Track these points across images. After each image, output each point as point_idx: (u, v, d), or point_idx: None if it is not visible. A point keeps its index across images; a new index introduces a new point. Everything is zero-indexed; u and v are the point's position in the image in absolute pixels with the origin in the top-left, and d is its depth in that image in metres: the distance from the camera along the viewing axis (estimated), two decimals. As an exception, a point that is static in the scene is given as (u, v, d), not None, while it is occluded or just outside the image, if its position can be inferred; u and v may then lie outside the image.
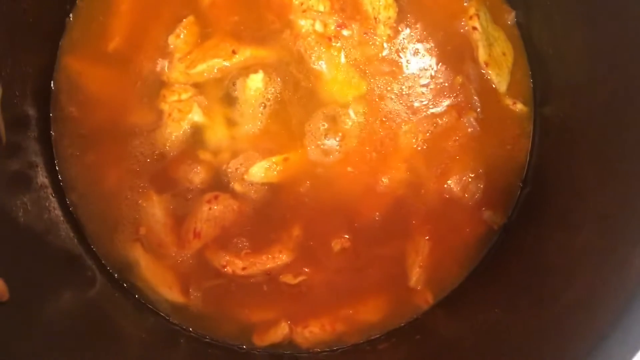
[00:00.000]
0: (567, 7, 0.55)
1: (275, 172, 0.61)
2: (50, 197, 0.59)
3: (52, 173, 0.60)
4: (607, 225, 0.44)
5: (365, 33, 0.63)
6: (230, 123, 0.62)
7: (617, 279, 0.38)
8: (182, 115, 0.61)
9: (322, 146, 0.61)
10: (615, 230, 0.42)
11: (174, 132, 0.61)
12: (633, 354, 0.32)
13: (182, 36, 0.62)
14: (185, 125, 0.61)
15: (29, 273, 0.50)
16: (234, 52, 0.62)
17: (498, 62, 0.63)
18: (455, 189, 0.61)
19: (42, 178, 0.59)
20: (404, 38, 0.63)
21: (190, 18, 0.62)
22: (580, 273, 0.44)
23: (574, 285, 0.43)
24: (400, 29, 0.63)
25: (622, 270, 0.38)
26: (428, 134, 0.62)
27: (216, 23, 0.63)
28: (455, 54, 0.63)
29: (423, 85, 0.62)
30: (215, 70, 0.62)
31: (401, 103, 0.62)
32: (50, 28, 0.61)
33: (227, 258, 0.60)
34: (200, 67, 0.62)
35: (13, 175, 0.54)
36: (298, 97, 0.61)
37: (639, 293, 0.35)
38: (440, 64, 0.63)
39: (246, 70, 0.62)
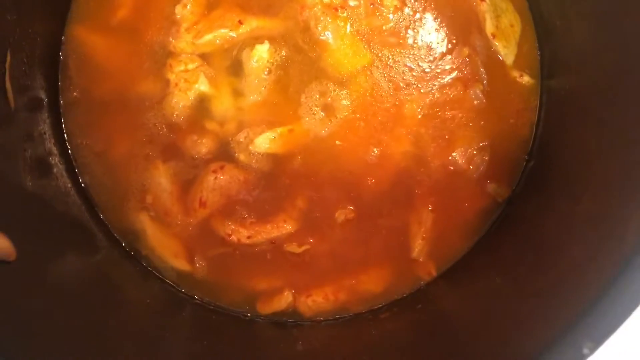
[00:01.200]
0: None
1: (280, 143, 0.61)
2: (59, 164, 0.60)
3: (60, 142, 0.61)
4: (607, 193, 0.44)
5: (372, 3, 0.62)
6: (237, 93, 0.62)
7: (614, 243, 0.38)
8: (189, 85, 0.61)
9: (326, 117, 0.61)
10: (614, 197, 0.42)
11: (181, 101, 0.61)
12: (627, 314, 0.33)
13: (188, 6, 0.62)
14: (192, 95, 0.61)
15: (37, 236, 0.51)
16: (240, 23, 0.62)
17: (505, 33, 0.62)
18: (460, 161, 0.61)
19: (50, 145, 0.59)
20: (411, 9, 0.63)
21: (197, -13, 0.62)
22: (578, 240, 0.44)
23: (571, 250, 0.44)
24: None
25: (619, 234, 0.38)
26: (434, 108, 0.62)
27: (223, -7, 0.63)
28: (462, 25, 0.63)
29: (429, 57, 0.62)
30: (221, 41, 0.62)
31: (406, 74, 0.62)
32: (58, -2, 0.62)
33: (232, 227, 0.60)
34: (207, 37, 0.62)
35: (21, 141, 0.55)
36: (303, 67, 0.61)
37: (635, 255, 0.35)
38: (446, 35, 0.62)
39: (253, 40, 0.62)
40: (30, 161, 0.55)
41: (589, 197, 0.46)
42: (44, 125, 0.59)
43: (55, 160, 0.60)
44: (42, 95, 0.60)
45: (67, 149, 0.62)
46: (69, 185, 0.61)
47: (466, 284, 0.58)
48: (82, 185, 0.62)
